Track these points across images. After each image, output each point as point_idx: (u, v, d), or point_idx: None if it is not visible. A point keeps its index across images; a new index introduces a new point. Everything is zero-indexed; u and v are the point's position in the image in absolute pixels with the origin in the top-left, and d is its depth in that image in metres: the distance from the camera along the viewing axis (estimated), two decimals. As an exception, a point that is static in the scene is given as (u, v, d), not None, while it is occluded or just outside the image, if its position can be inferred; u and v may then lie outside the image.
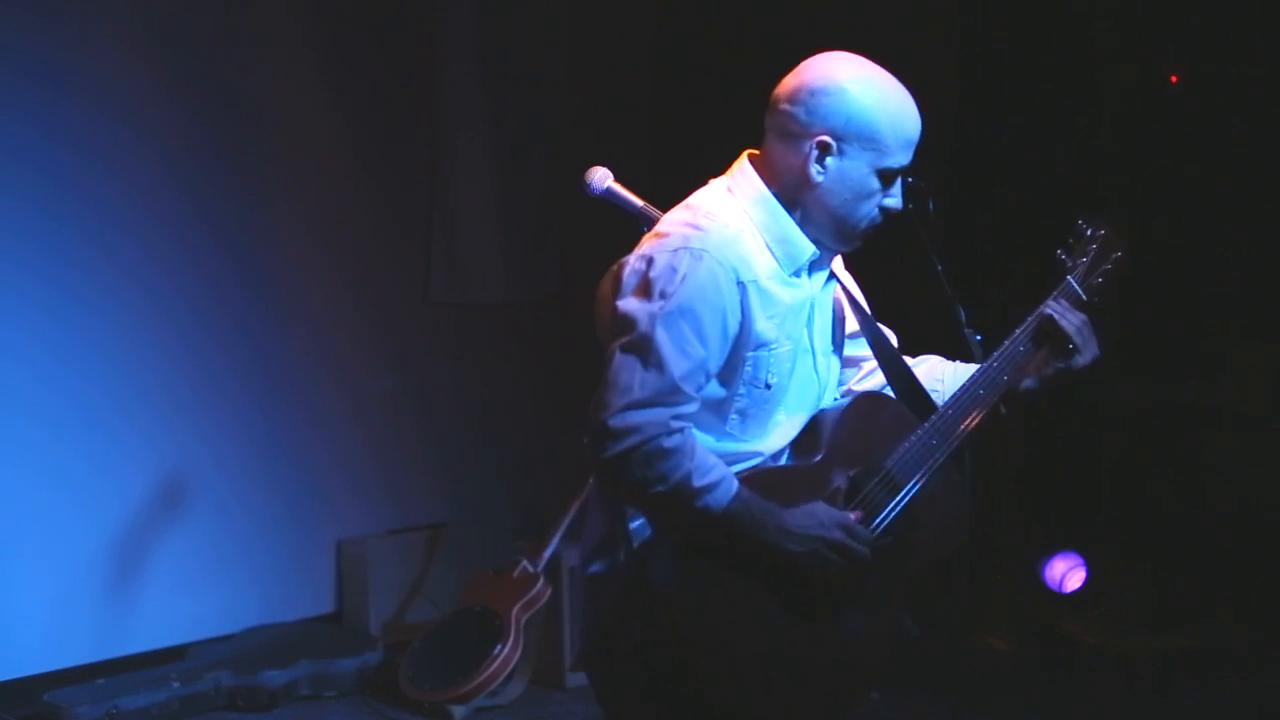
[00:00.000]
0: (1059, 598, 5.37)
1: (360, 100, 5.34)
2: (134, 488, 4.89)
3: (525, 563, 4.94)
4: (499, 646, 4.74)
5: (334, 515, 5.39)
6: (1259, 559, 5.22)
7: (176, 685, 4.68)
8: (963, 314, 2.78)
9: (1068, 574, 5.37)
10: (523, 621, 4.82)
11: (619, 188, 3.08)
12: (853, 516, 2.64)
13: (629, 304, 2.54)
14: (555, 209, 5.79)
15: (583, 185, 3.10)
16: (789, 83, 2.66)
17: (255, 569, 5.16)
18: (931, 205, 2.75)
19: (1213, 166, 5.32)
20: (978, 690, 4.81)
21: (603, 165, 3.11)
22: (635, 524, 2.61)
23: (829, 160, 2.61)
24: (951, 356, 2.90)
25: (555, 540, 4.91)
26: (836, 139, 2.60)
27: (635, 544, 2.60)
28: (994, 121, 5.53)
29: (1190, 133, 5.34)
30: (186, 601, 5.00)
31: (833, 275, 2.79)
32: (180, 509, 4.98)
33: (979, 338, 2.80)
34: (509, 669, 4.75)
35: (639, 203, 3.01)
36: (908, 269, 2.93)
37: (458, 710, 4.71)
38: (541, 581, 4.87)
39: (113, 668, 4.78)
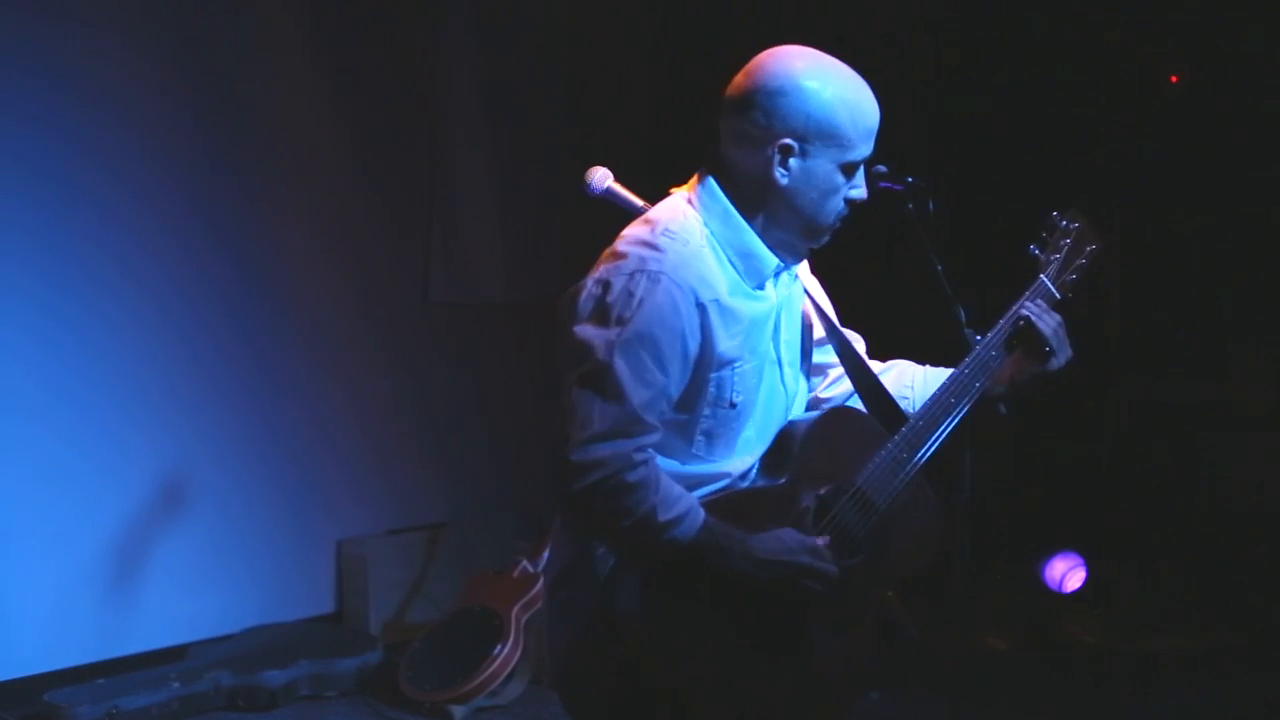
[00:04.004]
0: (1059, 598, 5.37)
1: (360, 101, 5.34)
2: (134, 488, 4.89)
3: (525, 563, 4.94)
4: (499, 646, 4.74)
5: (334, 515, 5.39)
6: (1260, 558, 5.22)
7: (176, 685, 4.68)
8: (962, 314, 2.75)
9: (1068, 574, 5.38)
10: (523, 621, 4.82)
11: (619, 188, 3.08)
12: (820, 542, 2.57)
13: (585, 331, 2.48)
14: (555, 209, 5.79)
15: (583, 185, 3.10)
16: (741, 85, 2.58)
17: (255, 569, 5.16)
18: (931, 205, 2.73)
19: (1215, 165, 5.32)
20: (978, 690, 4.81)
21: (603, 165, 3.11)
22: (601, 551, 2.56)
23: (792, 162, 2.54)
24: (948, 358, 2.85)
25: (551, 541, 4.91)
26: (799, 140, 2.53)
27: (602, 571, 2.55)
28: (994, 122, 5.54)
29: (1192, 132, 5.34)
30: (186, 601, 5.00)
31: (798, 280, 2.73)
32: (180, 509, 4.98)
33: (979, 338, 2.75)
34: (509, 669, 4.76)
35: (639, 203, 3.00)
36: (907, 269, 2.91)
37: (458, 710, 4.71)
38: (541, 581, 4.86)
39: (113, 668, 4.78)
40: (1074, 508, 5.56)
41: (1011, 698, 4.78)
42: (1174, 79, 5.41)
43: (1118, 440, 5.62)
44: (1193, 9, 5.31)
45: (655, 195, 2.82)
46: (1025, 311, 2.73)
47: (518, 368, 5.68)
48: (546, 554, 4.91)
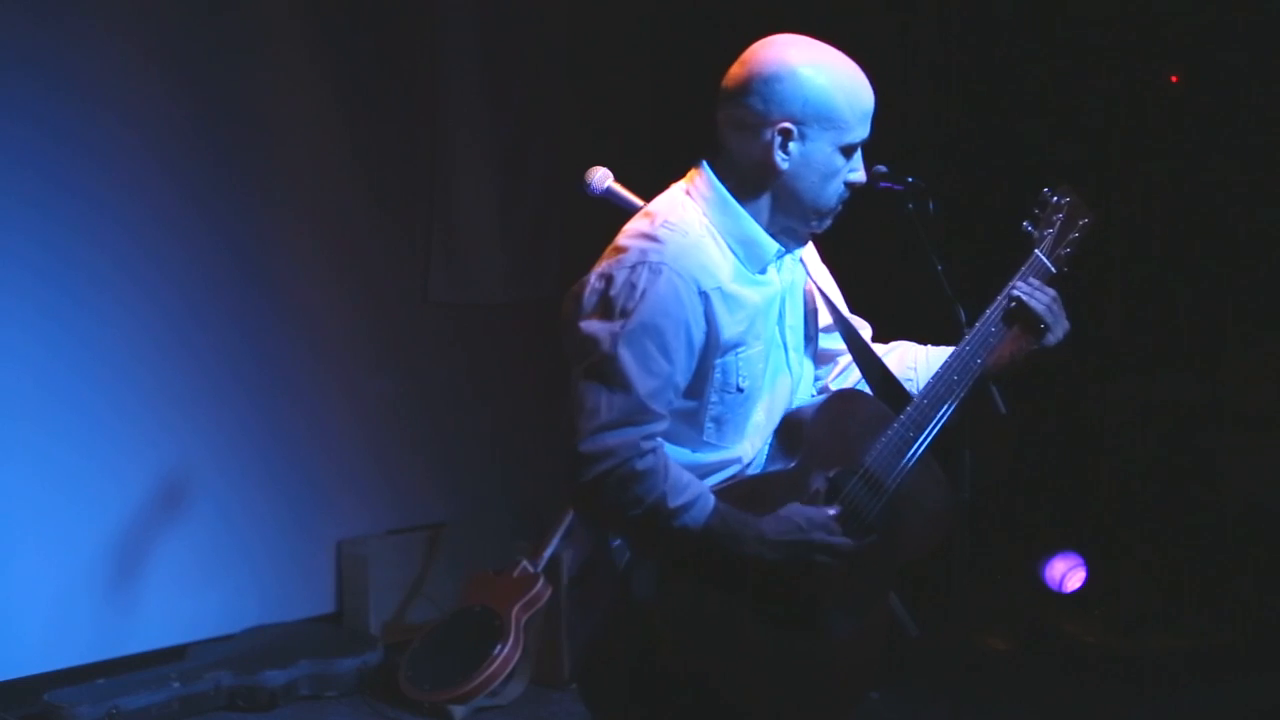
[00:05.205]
0: (1059, 598, 5.37)
1: (360, 100, 5.34)
2: (134, 488, 4.89)
3: (525, 563, 4.94)
4: (499, 646, 4.74)
5: (334, 515, 5.39)
6: (1259, 558, 5.22)
7: (176, 685, 4.68)
8: (963, 314, 2.76)
9: (1068, 574, 5.38)
10: (523, 621, 4.82)
11: (619, 188, 3.08)
12: (831, 512, 2.60)
13: (590, 325, 2.51)
14: (555, 209, 5.79)
15: (583, 185, 3.10)
16: (738, 74, 2.62)
17: (255, 569, 5.16)
18: (932, 205, 2.74)
19: (1218, 163, 5.32)
20: (978, 690, 4.81)
21: (603, 165, 3.11)
22: (618, 543, 2.58)
23: (792, 146, 2.57)
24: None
25: (555, 540, 4.92)
26: (797, 124, 2.57)
27: (620, 560, 2.57)
28: (995, 120, 5.53)
29: (1192, 130, 5.34)
30: (186, 601, 5.00)
31: (802, 264, 2.76)
32: (180, 509, 4.98)
33: (979, 321, 2.76)
34: (509, 669, 4.75)
35: (639, 203, 3.00)
36: (908, 269, 2.92)
37: (458, 710, 4.71)
38: (541, 581, 4.87)
39: (113, 668, 4.78)
40: (1074, 508, 5.56)
41: (1011, 698, 4.78)
42: (1174, 79, 5.41)
43: (1117, 440, 5.62)
44: (1193, 9, 5.30)
45: (655, 195, 2.82)
46: (1016, 292, 2.75)
47: (518, 368, 5.68)
48: (547, 554, 4.92)
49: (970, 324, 2.74)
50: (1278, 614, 5.12)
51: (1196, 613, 5.26)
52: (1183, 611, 5.28)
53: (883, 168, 2.71)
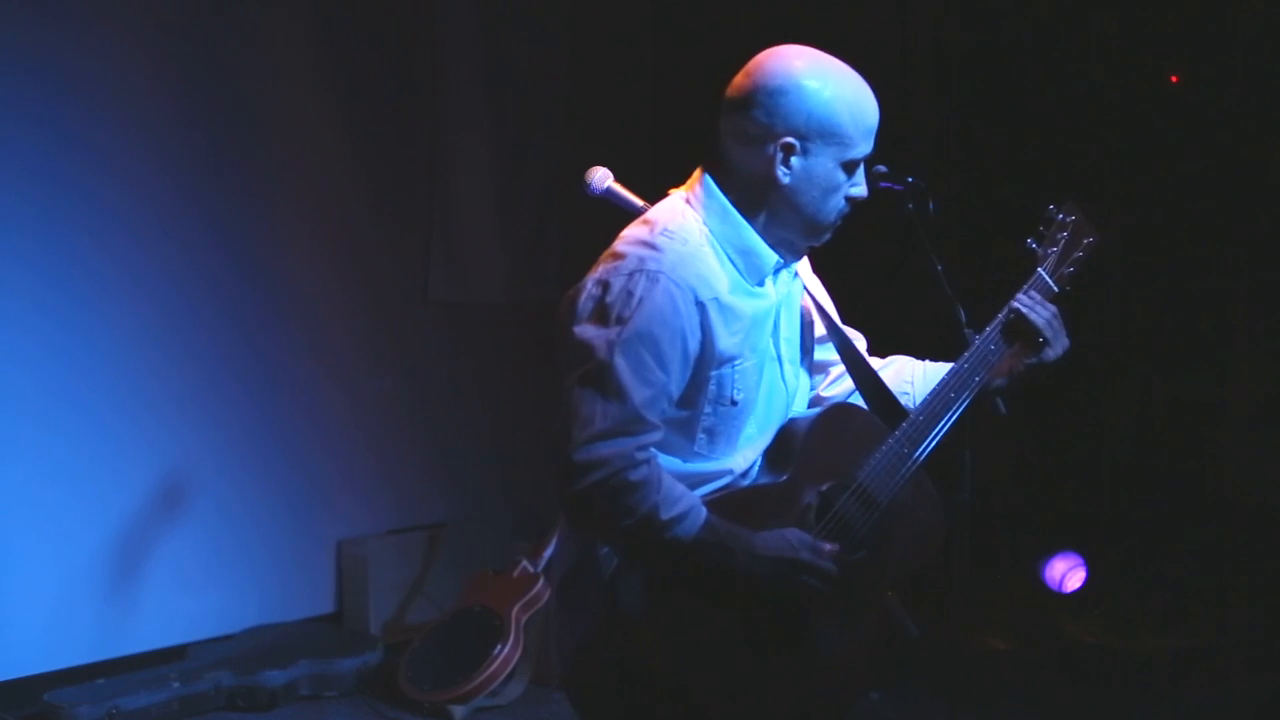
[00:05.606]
0: (1059, 598, 5.37)
1: (360, 100, 5.34)
2: (134, 487, 4.89)
3: (525, 563, 4.94)
4: (499, 646, 4.74)
5: (334, 515, 5.39)
6: (1260, 558, 5.21)
7: (176, 685, 4.68)
8: (962, 314, 2.76)
9: (1068, 574, 5.38)
10: (523, 621, 4.82)
11: (619, 188, 3.08)
12: (827, 549, 2.58)
13: (585, 331, 2.49)
14: (555, 209, 5.79)
15: (583, 185, 3.10)
16: (742, 85, 2.59)
17: (255, 569, 5.16)
18: (932, 206, 2.73)
19: (1218, 163, 5.32)
20: (978, 690, 4.81)
21: (603, 165, 3.11)
22: (605, 550, 2.57)
23: (794, 160, 2.55)
24: (948, 356, 2.86)
25: (555, 540, 4.91)
26: (800, 138, 2.54)
27: (607, 567, 2.56)
28: (997, 120, 5.53)
29: (1193, 129, 5.34)
30: (186, 601, 5.00)
31: (798, 278, 2.74)
32: (180, 509, 4.98)
33: (978, 336, 2.76)
34: (509, 669, 4.76)
35: (639, 203, 3.00)
36: (908, 269, 2.92)
37: (458, 710, 4.71)
38: (541, 581, 4.87)
39: (113, 668, 4.79)
40: (1074, 507, 5.56)
41: (1011, 698, 4.78)
42: (1174, 79, 5.41)
43: (1117, 440, 5.62)
44: (1193, 8, 5.30)
45: (655, 195, 2.82)
46: (1017, 304, 2.75)
47: (518, 368, 5.68)
48: (547, 554, 4.92)
49: (970, 324, 2.74)
50: (1277, 614, 5.12)
51: (1196, 613, 5.26)
52: (1183, 611, 5.28)
53: (882, 168, 2.70)
